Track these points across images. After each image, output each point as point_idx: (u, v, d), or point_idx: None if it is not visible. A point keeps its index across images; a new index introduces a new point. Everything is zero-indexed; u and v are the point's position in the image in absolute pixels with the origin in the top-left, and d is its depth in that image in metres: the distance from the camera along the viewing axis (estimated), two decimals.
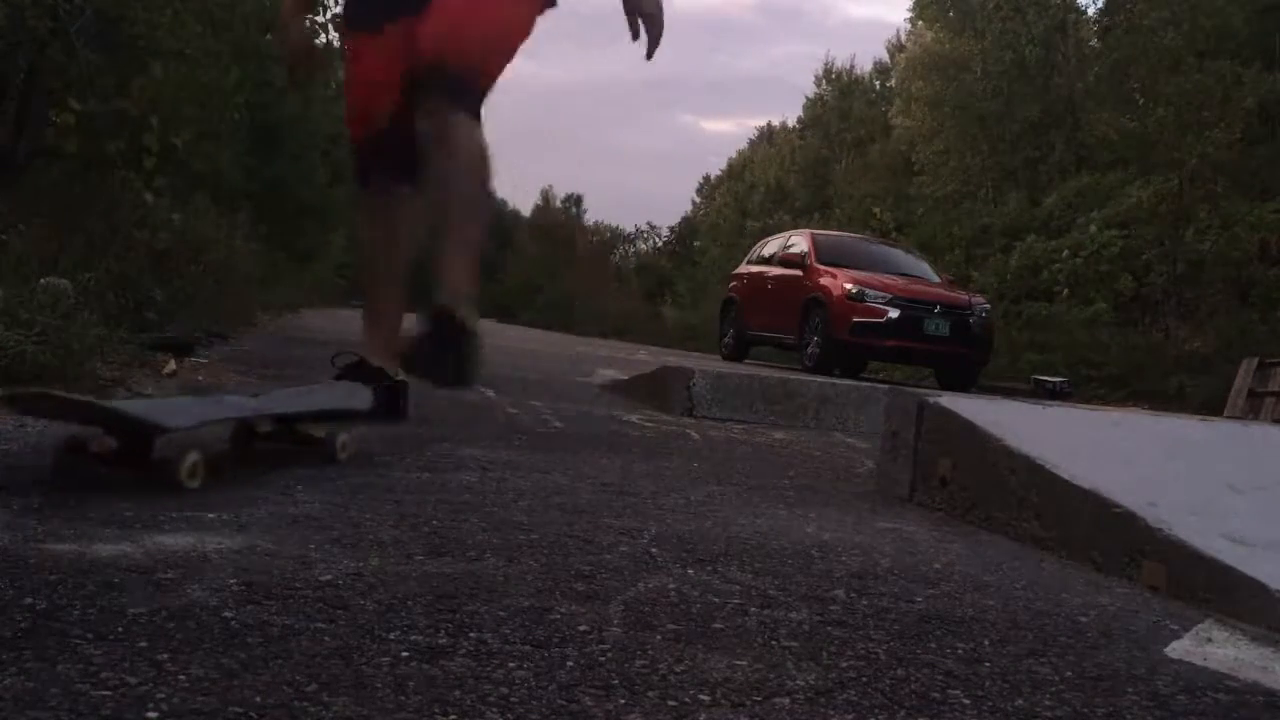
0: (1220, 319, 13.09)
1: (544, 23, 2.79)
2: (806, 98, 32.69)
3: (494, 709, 0.91)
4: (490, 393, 4.01)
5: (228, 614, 1.08)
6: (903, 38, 28.46)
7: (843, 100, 30.96)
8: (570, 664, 1.04)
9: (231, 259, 8.19)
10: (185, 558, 1.27)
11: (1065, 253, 16.04)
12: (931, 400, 2.35)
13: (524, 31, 2.57)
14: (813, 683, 1.07)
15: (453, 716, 0.89)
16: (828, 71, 32.21)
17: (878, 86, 30.33)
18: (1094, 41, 20.05)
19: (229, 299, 6.69)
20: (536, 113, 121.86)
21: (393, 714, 0.88)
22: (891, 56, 29.58)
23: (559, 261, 40.43)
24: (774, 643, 1.18)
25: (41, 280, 3.36)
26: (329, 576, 1.25)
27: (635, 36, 2.69)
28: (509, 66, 2.53)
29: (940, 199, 20.22)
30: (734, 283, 12.95)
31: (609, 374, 5.70)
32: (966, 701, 1.06)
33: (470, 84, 2.36)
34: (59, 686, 0.86)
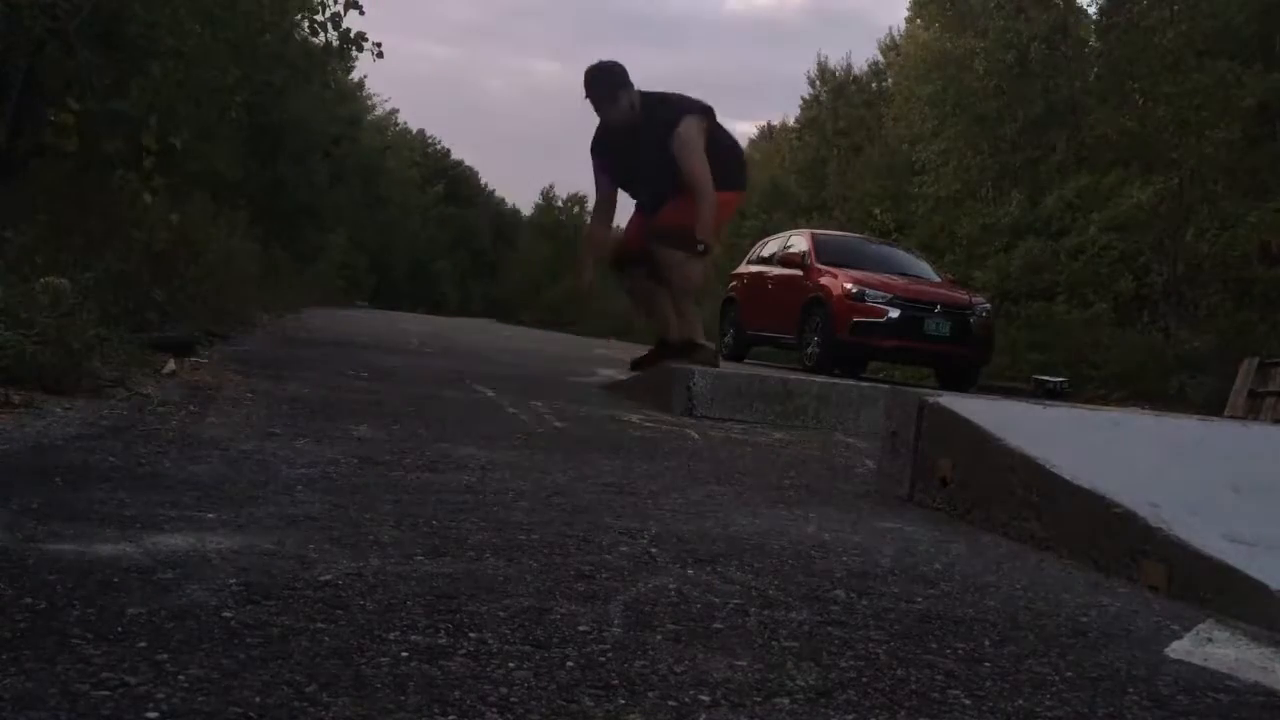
0: (1220, 319, 13.09)
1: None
2: (803, 98, 32.59)
3: (494, 709, 0.91)
4: (490, 392, 4.01)
5: (228, 614, 1.08)
6: (897, 37, 28.43)
7: (836, 100, 30.82)
8: (570, 664, 1.04)
9: (231, 259, 8.19)
10: (185, 558, 1.27)
11: (1064, 256, 16.04)
12: (931, 400, 2.35)
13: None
14: (813, 683, 1.06)
15: (453, 716, 0.89)
16: (821, 71, 32.06)
17: (874, 87, 30.18)
18: (1094, 41, 20.03)
19: (229, 299, 6.69)
20: (544, 111, 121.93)
21: (393, 714, 0.88)
22: (885, 56, 29.47)
23: (560, 262, 40.35)
24: (774, 643, 1.18)
25: (41, 280, 3.35)
26: (329, 576, 1.25)
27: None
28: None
29: (941, 199, 20.20)
30: (734, 283, 12.92)
31: (609, 374, 5.69)
32: (967, 701, 1.06)
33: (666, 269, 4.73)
34: (59, 686, 0.86)
